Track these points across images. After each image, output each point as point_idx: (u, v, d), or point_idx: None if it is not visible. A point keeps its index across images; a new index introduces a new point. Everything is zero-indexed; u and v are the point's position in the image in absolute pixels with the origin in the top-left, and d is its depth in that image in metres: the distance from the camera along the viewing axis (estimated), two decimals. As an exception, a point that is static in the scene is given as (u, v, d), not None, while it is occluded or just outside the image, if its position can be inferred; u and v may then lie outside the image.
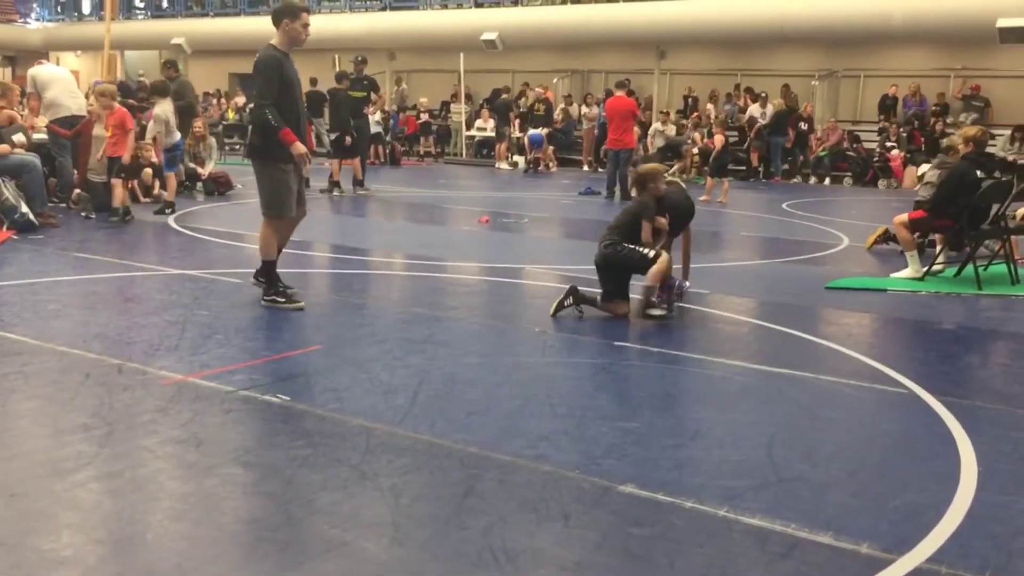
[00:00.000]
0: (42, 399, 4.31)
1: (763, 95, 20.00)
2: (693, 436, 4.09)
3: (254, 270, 6.60)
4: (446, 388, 4.67)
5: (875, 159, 18.78)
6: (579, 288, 6.33)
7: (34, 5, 30.59)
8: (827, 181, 19.05)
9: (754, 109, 19.80)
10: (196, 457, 3.64)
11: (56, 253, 8.20)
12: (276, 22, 6.25)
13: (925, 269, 7.93)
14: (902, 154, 18.28)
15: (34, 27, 30.30)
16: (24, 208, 9.23)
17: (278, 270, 6.43)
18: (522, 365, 5.19)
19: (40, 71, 11.55)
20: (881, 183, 18.41)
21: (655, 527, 3.16)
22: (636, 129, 15.45)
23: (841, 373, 5.14)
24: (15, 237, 8.80)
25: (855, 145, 19.36)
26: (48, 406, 4.21)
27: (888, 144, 18.60)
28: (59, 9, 30.29)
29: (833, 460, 3.85)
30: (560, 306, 6.26)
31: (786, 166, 19.74)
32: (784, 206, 14.37)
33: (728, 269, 8.63)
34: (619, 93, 14.91)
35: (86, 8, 29.75)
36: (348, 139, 13.92)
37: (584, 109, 21.70)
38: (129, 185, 10.57)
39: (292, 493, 3.33)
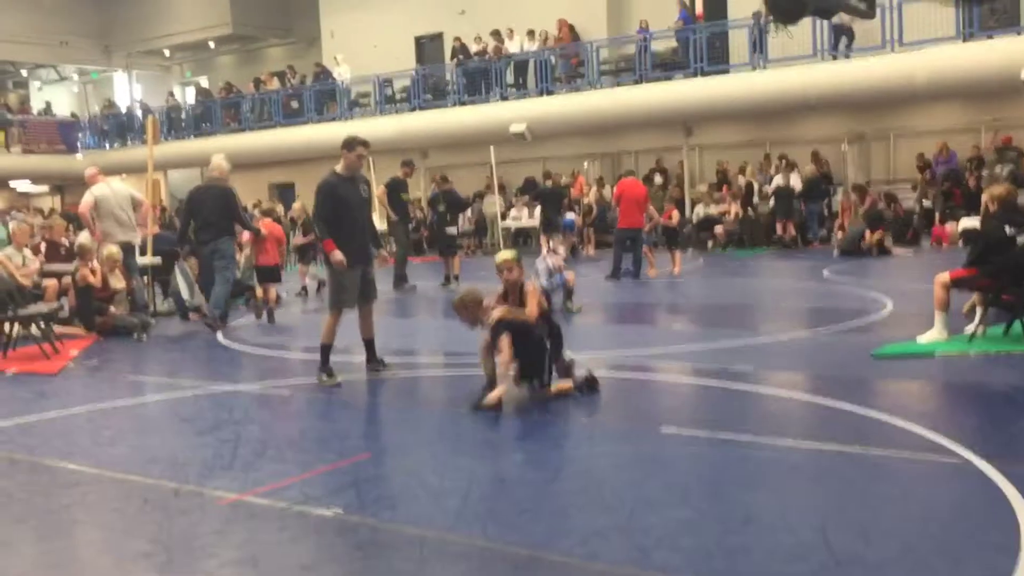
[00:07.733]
0: (104, 528, 4.42)
1: (791, 162, 20.07)
2: (744, 522, 4.07)
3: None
4: (495, 488, 4.71)
5: (915, 217, 18.69)
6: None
7: (79, 135, 31.90)
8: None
9: (779, 179, 19.85)
10: (254, 578, 3.70)
11: (112, 377, 8.42)
12: (341, 150, 7.50)
13: (971, 331, 7.79)
14: (939, 215, 18.19)
15: (80, 156, 31.51)
16: None
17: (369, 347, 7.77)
18: (569, 459, 5.21)
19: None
20: (924, 242, 18.28)
21: (712, 621, 3.15)
22: (651, 208, 15.72)
23: (893, 445, 5.09)
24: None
25: (892, 205, 19.28)
26: (110, 535, 4.31)
27: (925, 204, 18.53)
28: (103, 137, 31.54)
29: (889, 538, 3.81)
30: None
31: (823, 232, 19.70)
32: (824, 272, 14.31)
33: (769, 344, 8.57)
34: (631, 178, 15.60)
35: (128, 135, 30.93)
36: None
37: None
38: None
39: (349, 609, 3.37)
